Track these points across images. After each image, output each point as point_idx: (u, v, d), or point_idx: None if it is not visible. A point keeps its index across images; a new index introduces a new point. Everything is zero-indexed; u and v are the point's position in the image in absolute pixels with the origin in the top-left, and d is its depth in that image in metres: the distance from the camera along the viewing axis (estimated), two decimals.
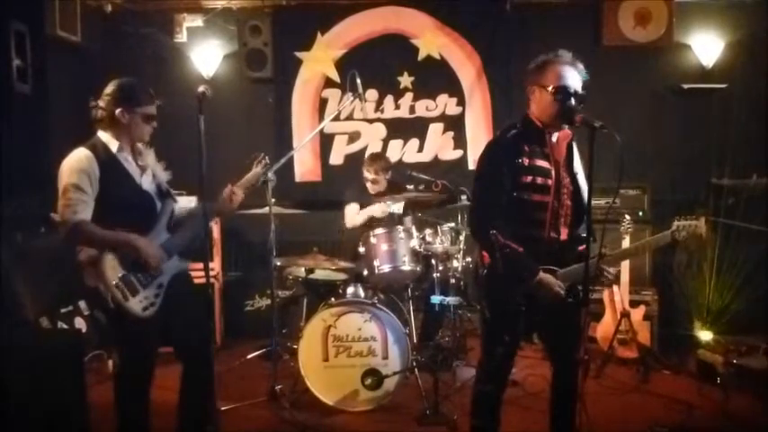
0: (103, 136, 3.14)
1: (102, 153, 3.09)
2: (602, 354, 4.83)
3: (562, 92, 2.85)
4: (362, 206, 5.28)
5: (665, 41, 5.93)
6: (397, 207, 5.17)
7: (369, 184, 5.22)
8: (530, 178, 2.90)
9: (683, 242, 3.08)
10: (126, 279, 3.04)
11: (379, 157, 5.38)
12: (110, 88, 3.14)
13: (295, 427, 3.94)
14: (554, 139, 2.97)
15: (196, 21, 6.19)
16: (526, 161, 2.90)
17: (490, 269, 2.94)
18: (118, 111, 3.09)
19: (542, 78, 2.92)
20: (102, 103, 3.12)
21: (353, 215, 5.30)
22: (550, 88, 2.87)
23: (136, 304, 3.04)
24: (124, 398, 3.19)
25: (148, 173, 3.25)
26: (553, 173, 2.93)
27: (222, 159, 5.74)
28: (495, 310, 3.02)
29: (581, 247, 2.90)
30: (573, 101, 2.84)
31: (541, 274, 2.86)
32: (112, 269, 3.02)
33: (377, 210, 5.04)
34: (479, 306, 3.10)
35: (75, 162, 3.04)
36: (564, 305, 2.88)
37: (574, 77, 2.89)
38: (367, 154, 6.03)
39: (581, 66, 2.94)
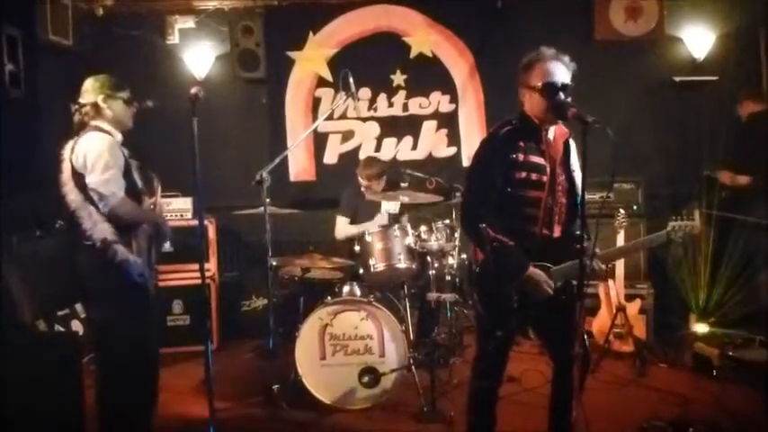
0: (106, 128, 3.14)
1: None
2: (598, 348, 4.84)
3: (549, 89, 2.82)
4: (354, 218, 5.25)
5: (657, 35, 5.95)
6: (394, 207, 5.18)
7: (363, 189, 5.20)
8: (524, 174, 2.89)
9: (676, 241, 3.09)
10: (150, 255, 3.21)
11: (372, 164, 5.27)
12: (90, 85, 3.16)
13: (292, 425, 3.95)
14: (550, 136, 2.96)
15: (188, 22, 6.18)
16: (521, 157, 2.89)
17: (483, 265, 2.94)
18: (107, 100, 3.13)
19: (529, 79, 2.91)
20: (89, 100, 3.12)
21: (344, 228, 5.26)
22: (537, 87, 2.86)
23: (151, 281, 3.18)
24: (132, 392, 3.25)
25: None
26: (548, 169, 2.92)
27: (216, 160, 5.80)
28: (488, 306, 3.01)
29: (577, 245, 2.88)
30: (562, 95, 2.82)
31: (531, 269, 2.84)
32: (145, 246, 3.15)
33: (371, 226, 4.90)
34: (472, 302, 3.10)
35: (108, 145, 3.06)
36: (558, 301, 2.88)
37: (560, 72, 2.87)
38: (361, 153, 6.04)
39: (566, 58, 2.91)
